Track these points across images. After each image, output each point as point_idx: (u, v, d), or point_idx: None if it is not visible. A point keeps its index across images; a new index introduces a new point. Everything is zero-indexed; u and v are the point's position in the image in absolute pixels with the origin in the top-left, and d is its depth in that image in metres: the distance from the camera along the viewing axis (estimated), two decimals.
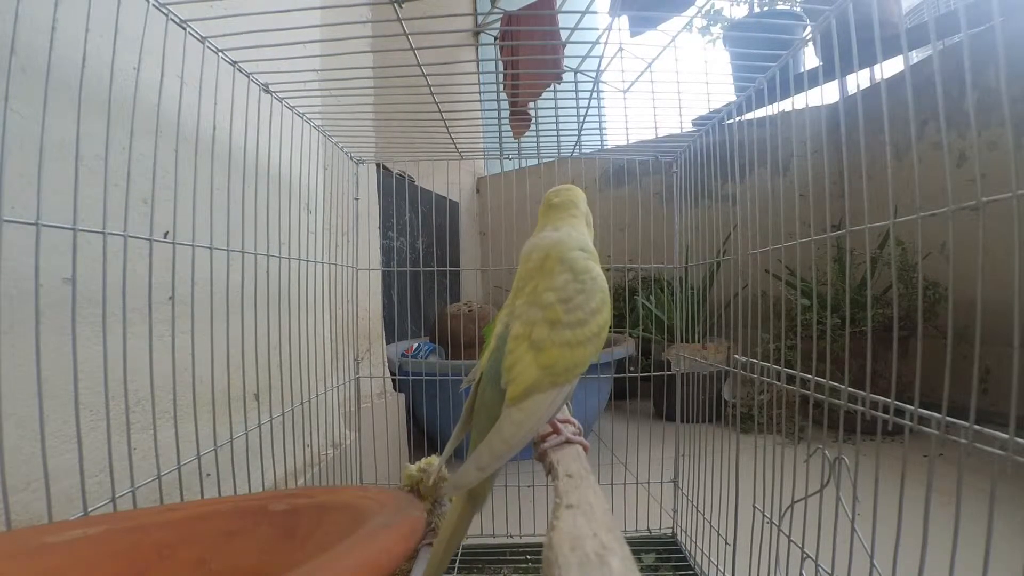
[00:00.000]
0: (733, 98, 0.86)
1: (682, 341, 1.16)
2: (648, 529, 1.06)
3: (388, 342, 1.62)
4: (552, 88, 1.01)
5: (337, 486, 0.87)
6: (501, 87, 1.20)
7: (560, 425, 0.40)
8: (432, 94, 0.75)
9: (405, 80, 0.78)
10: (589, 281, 0.40)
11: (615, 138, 1.15)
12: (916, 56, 2.07)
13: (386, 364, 1.51)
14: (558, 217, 0.46)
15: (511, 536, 1.05)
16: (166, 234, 0.58)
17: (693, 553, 0.94)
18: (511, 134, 1.26)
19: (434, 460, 0.63)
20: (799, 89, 0.67)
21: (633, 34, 1.28)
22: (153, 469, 0.53)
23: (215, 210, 0.65)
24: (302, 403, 0.87)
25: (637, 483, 1.09)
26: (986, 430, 0.38)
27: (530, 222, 0.48)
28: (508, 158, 1.07)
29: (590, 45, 0.89)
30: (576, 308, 0.39)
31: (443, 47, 0.73)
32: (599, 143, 1.09)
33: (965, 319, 0.51)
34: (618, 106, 0.89)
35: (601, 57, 0.80)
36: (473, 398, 0.40)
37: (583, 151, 1.05)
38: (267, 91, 0.73)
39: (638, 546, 1.01)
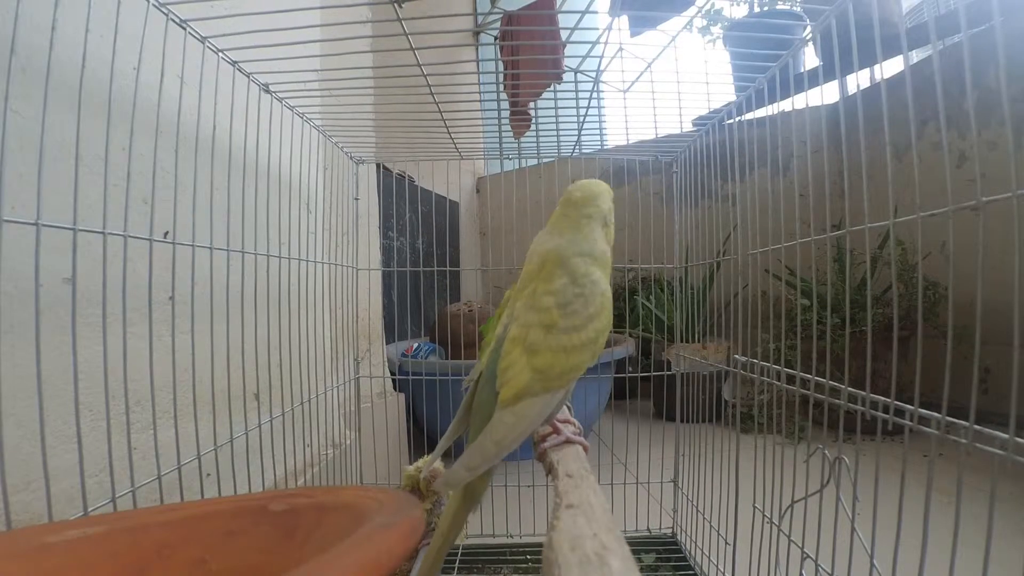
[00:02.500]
0: (733, 98, 0.86)
1: (682, 341, 1.16)
2: (648, 529, 1.06)
3: (388, 342, 1.62)
4: (552, 88, 1.01)
5: (337, 486, 0.87)
6: (501, 87, 1.20)
7: (560, 425, 0.40)
8: (432, 94, 0.75)
9: (405, 80, 0.78)
10: (589, 285, 0.39)
11: (615, 138, 1.15)
12: (916, 56, 2.07)
13: (386, 364, 1.51)
14: (570, 217, 0.43)
15: (511, 536, 1.05)
16: (166, 234, 0.58)
17: (693, 553, 0.94)
18: (511, 134, 1.26)
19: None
20: (799, 89, 0.66)
21: (633, 34, 1.28)
22: (153, 469, 0.53)
23: (215, 210, 0.65)
24: (302, 403, 0.87)
25: (637, 483, 1.09)
26: (986, 430, 0.38)
27: (530, 222, 0.48)
28: (508, 158, 1.07)
29: (590, 45, 0.89)
30: (573, 313, 0.38)
31: (443, 47, 0.73)
32: (599, 143, 1.09)
33: (965, 319, 0.51)
34: (618, 106, 0.89)
35: (601, 57, 0.80)
36: (472, 396, 0.40)
37: (583, 151, 1.05)
38: (267, 91, 0.73)
39: (638, 546, 1.01)
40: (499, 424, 0.35)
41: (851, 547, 0.50)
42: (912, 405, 0.45)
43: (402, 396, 1.50)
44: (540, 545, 0.88)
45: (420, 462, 0.65)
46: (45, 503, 0.41)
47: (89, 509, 0.45)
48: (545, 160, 1.15)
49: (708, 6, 2.21)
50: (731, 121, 0.88)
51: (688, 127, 0.93)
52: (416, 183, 2.23)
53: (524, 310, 0.39)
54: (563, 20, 1.90)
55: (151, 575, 0.33)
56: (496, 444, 0.34)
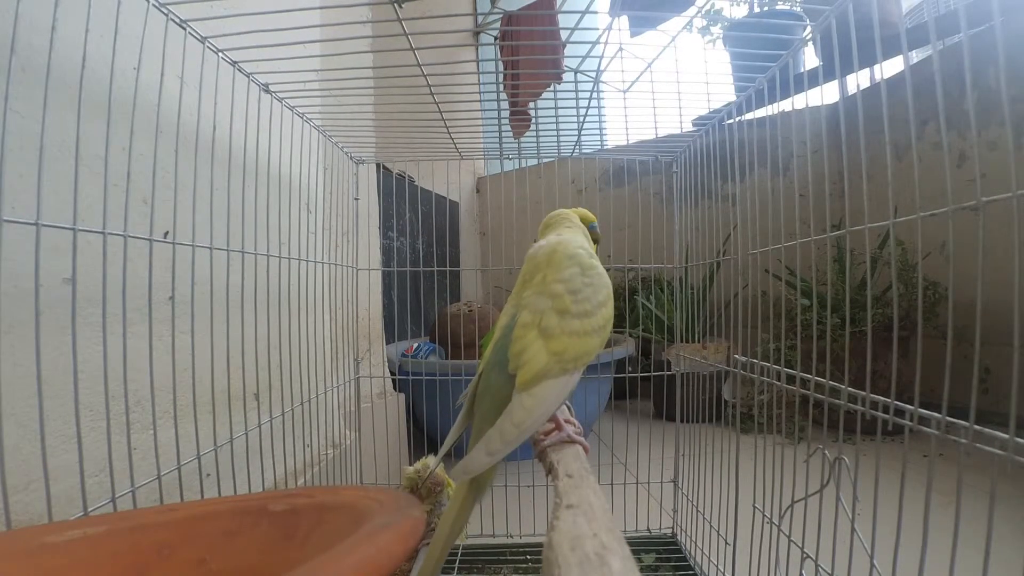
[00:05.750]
0: (733, 98, 0.86)
1: (682, 341, 1.16)
2: (648, 529, 1.06)
3: (388, 342, 1.62)
4: (552, 88, 1.01)
5: (337, 486, 0.87)
6: (501, 87, 1.20)
7: (562, 422, 0.40)
8: (432, 94, 0.75)
9: (405, 80, 0.78)
10: (596, 276, 0.43)
11: (615, 138, 1.15)
12: (916, 56, 2.07)
13: (386, 364, 1.51)
14: (558, 227, 0.51)
15: (511, 536, 1.05)
16: (166, 234, 0.58)
17: (693, 553, 0.94)
18: (511, 134, 1.26)
19: (431, 460, 0.63)
20: (799, 89, 0.66)
21: (633, 34, 1.28)
22: (153, 469, 0.53)
23: (215, 210, 0.65)
24: (302, 403, 0.87)
25: (637, 483, 1.09)
26: (986, 430, 0.38)
27: (530, 222, 0.49)
28: (508, 158, 1.07)
29: (590, 45, 0.89)
30: (584, 300, 0.40)
31: (443, 47, 0.73)
32: (599, 143, 1.09)
33: (965, 319, 0.51)
34: (618, 106, 0.89)
35: (601, 57, 0.79)
36: (475, 388, 0.40)
37: (583, 151, 1.05)
38: (267, 91, 0.73)
39: (638, 546, 1.01)
40: (519, 407, 0.35)
41: (851, 547, 0.50)
42: (912, 405, 0.45)
43: (402, 396, 1.50)
44: (540, 545, 0.88)
45: (420, 463, 0.65)
46: (45, 503, 0.41)
47: (89, 509, 0.45)
48: (545, 160, 1.15)
49: (708, 6, 2.21)
50: (731, 121, 0.88)
51: (688, 127, 0.93)
52: (416, 183, 2.23)
53: (534, 297, 0.41)
54: (563, 20, 1.90)
55: (151, 575, 0.33)
56: (516, 427, 0.34)
